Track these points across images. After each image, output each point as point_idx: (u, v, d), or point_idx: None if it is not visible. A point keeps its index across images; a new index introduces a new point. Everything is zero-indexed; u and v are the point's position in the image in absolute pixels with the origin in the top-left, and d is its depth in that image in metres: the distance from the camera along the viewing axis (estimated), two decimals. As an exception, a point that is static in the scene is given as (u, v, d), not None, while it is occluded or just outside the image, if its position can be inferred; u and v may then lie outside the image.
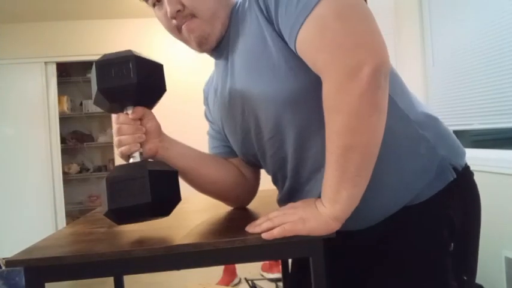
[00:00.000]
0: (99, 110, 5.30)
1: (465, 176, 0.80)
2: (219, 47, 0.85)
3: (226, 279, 2.92)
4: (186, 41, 0.84)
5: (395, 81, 0.78)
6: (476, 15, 2.10)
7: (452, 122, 2.37)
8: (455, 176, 0.76)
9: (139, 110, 0.78)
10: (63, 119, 4.38)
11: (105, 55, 0.76)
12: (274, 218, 0.71)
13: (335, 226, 0.69)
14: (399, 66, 2.84)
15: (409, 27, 2.69)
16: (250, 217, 0.88)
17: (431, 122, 0.79)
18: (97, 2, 3.68)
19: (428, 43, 2.53)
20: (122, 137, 0.77)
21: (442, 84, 2.45)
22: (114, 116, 0.79)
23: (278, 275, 2.92)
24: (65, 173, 4.29)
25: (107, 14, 4.01)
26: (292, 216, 0.70)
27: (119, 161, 4.51)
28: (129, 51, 0.76)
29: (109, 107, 0.78)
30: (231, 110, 0.85)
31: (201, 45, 0.83)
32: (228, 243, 0.70)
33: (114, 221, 0.76)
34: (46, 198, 3.96)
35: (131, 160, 0.79)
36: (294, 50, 0.68)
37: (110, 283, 1.18)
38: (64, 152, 4.33)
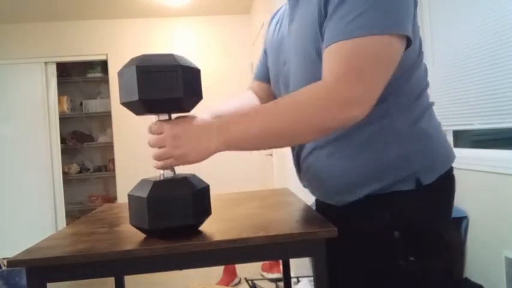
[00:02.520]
0: (99, 110, 5.26)
1: (435, 185, 0.85)
2: None
3: (226, 279, 2.92)
4: None
5: (412, 95, 0.85)
6: (477, 15, 2.10)
7: (452, 122, 2.37)
8: (414, 187, 0.82)
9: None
10: (63, 119, 4.38)
11: (145, 56, 0.70)
12: (162, 153, 0.74)
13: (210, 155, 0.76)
14: (399, 66, 2.84)
15: (409, 27, 2.69)
16: (251, 217, 0.88)
17: (422, 138, 0.85)
18: (97, 2, 3.68)
19: (428, 43, 2.54)
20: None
21: (442, 84, 2.45)
22: (155, 127, 0.75)
23: (278, 275, 2.92)
24: (65, 173, 4.29)
25: (107, 14, 4.02)
26: (177, 150, 0.74)
27: (118, 161, 4.50)
28: (172, 55, 0.72)
29: (142, 113, 0.75)
30: (279, 54, 0.97)
31: None
32: (229, 243, 0.70)
33: (144, 232, 0.76)
34: (46, 198, 3.97)
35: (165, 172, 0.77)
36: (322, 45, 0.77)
37: (111, 283, 1.19)
38: (64, 152, 4.33)
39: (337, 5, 0.72)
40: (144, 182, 0.76)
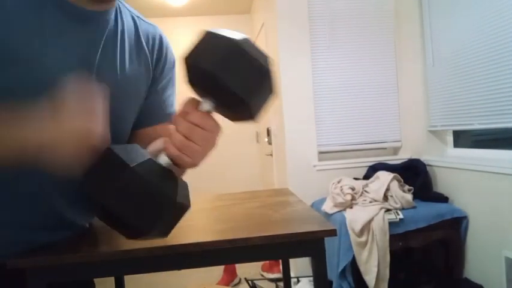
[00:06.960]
0: (99, 110, 5.36)
1: None
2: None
3: (226, 279, 2.92)
4: None
5: None
6: (476, 15, 2.10)
7: (452, 122, 2.37)
8: None
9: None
10: (63, 119, 4.37)
11: (248, 40, 0.54)
12: (194, 153, 0.57)
13: None
14: (399, 66, 2.84)
15: (409, 27, 2.69)
16: (251, 217, 0.88)
17: None
18: (97, 2, 3.67)
19: (428, 43, 2.54)
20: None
21: (442, 84, 2.45)
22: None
23: (278, 275, 2.92)
24: (65, 173, 4.29)
25: (107, 14, 4.01)
26: (201, 157, 0.59)
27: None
28: (268, 57, 0.56)
29: (197, 85, 0.56)
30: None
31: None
32: (229, 243, 0.70)
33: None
34: (46, 198, 3.96)
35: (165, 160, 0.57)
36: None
37: (111, 283, 1.19)
38: (64, 152, 4.32)
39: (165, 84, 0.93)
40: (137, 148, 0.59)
